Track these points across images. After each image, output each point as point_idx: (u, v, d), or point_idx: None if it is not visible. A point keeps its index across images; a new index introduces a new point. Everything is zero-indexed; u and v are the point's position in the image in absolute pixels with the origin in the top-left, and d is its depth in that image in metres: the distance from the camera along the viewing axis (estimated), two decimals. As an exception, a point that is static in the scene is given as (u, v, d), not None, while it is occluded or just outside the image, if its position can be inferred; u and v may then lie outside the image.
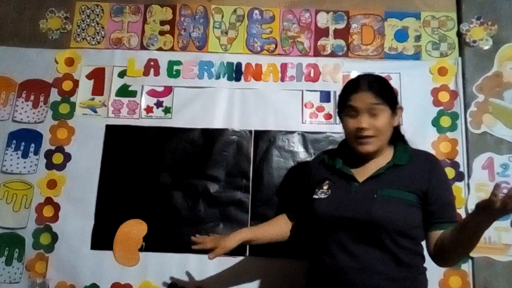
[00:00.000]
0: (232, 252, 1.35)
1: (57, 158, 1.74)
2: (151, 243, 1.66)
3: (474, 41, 1.76)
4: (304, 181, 1.38)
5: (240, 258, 1.64)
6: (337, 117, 1.73)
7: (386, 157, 1.25)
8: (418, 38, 1.81)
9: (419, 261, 1.21)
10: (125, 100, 1.79)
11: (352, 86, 1.24)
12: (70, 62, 1.83)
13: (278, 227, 1.42)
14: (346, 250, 1.17)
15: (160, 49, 1.84)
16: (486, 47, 1.77)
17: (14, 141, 1.76)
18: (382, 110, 1.19)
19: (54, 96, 1.80)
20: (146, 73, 1.81)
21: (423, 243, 1.22)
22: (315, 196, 1.26)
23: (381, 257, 1.15)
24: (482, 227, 1.05)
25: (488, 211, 0.99)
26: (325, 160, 1.33)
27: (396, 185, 1.19)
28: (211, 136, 1.74)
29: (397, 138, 1.30)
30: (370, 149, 1.21)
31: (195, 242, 1.34)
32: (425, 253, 1.22)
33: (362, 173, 1.24)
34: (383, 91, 1.21)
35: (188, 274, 1.63)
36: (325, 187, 1.26)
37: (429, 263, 1.57)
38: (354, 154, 1.26)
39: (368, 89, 1.19)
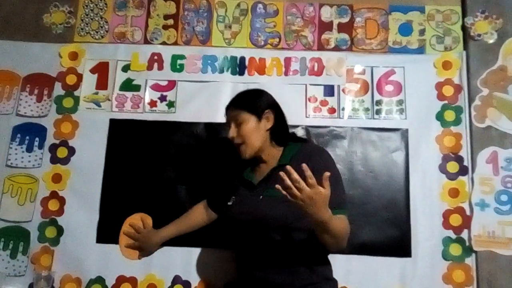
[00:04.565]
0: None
1: (62, 152, 1.75)
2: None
3: (479, 35, 1.76)
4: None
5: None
6: (341, 111, 1.76)
7: (276, 159, 1.36)
8: (422, 32, 1.81)
9: (318, 250, 1.26)
10: (129, 94, 1.80)
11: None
12: (74, 56, 1.83)
13: (193, 222, 1.60)
14: (249, 248, 1.30)
15: (163, 43, 1.84)
16: (491, 41, 1.76)
17: (19, 135, 1.77)
18: (245, 119, 1.35)
19: (58, 90, 1.80)
20: (149, 67, 1.81)
21: None
22: (228, 203, 1.39)
23: (275, 251, 1.25)
24: (311, 220, 1.10)
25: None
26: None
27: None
28: (215, 130, 1.75)
29: (286, 139, 1.40)
30: (246, 155, 1.35)
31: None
32: None
33: (258, 177, 1.37)
34: (244, 103, 1.37)
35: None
36: (234, 195, 1.39)
37: (433, 259, 1.60)
38: (254, 161, 1.39)
39: (231, 104, 1.40)
